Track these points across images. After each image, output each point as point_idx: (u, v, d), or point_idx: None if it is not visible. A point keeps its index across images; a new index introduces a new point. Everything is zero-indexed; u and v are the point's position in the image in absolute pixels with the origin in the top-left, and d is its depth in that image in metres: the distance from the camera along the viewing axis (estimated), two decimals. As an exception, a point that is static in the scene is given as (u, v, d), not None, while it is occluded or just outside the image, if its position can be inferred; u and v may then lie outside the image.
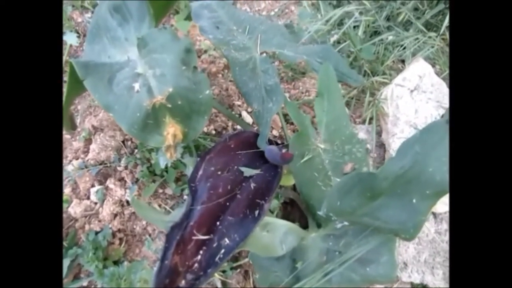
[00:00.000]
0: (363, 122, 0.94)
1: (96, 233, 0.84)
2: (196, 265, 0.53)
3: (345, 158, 0.72)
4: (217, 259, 0.53)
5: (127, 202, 0.88)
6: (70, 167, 0.93)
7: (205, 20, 0.87)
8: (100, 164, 0.92)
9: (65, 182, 0.91)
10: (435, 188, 0.51)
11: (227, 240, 0.55)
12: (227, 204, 0.59)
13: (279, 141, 0.78)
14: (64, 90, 0.68)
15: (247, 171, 0.65)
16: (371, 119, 0.92)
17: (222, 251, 0.54)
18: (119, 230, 0.86)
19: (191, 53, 0.67)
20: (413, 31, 1.07)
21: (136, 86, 0.66)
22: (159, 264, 0.50)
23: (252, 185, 0.62)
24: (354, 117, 0.98)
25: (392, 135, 0.87)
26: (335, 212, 0.58)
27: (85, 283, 0.83)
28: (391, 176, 0.51)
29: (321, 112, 0.75)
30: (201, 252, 0.54)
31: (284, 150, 0.66)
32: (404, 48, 1.04)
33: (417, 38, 0.99)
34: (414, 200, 0.52)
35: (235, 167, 0.65)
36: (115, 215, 0.87)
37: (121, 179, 0.91)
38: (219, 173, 0.63)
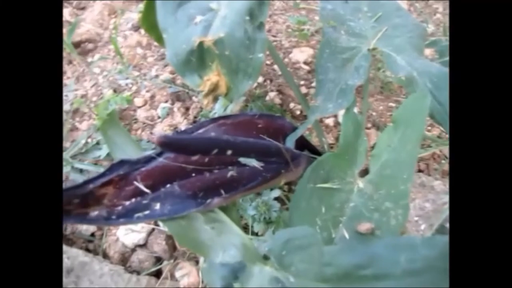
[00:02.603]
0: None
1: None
2: (119, 208, 0.49)
3: (375, 215, 0.53)
4: (136, 216, 0.48)
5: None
6: (163, 76, 0.98)
7: (338, -13, 0.73)
8: (182, 86, 0.94)
9: (151, 87, 0.97)
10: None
11: (157, 206, 0.48)
12: (192, 174, 0.51)
13: (320, 150, 0.63)
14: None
15: (246, 160, 0.54)
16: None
17: (146, 212, 0.48)
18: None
19: (263, 6, 0.57)
20: None
21: (199, 18, 0.61)
22: (80, 182, 0.47)
23: (231, 173, 0.52)
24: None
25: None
26: (277, 260, 0.44)
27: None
28: (341, 267, 0.35)
29: (384, 146, 0.57)
30: (132, 200, 0.49)
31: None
32: None
33: None
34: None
35: (240, 146, 0.56)
36: (165, 136, 0.89)
37: (187, 109, 0.91)
38: (213, 135, 0.55)
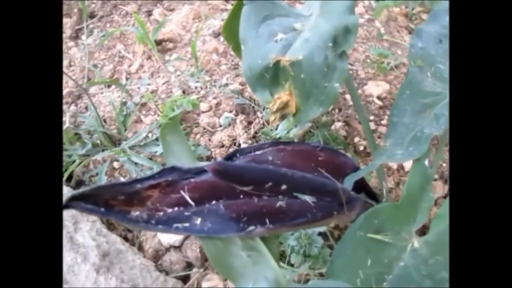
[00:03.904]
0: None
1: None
2: (161, 214, 0.48)
3: (426, 282, 0.48)
4: (174, 226, 0.47)
5: (239, 144, 0.88)
6: (233, 86, 0.99)
7: (435, 23, 0.68)
8: (249, 100, 0.94)
9: (218, 95, 0.98)
10: None
11: (198, 221, 0.47)
12: (240, 196, 0.49)
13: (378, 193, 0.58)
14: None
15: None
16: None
17: (186, 225, 0.47)
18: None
19: (349, 34, 0.54)
20: None
21: (280, 36, 0.60)
22: (128, 180, 0.47)
23: (280, 203, 0.49)
24: None
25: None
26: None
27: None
28: None
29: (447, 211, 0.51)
30: (175, 208, 0.49)
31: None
32: None
33: None
34: None
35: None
36: (222, 146, 0.89)
37: (250, 123, 0.90)
38: (271, 167, 0.53)
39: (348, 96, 0.95)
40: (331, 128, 0.87)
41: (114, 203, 0.46)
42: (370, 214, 0.51)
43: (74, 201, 0.43)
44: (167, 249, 0.84)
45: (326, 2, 0.62)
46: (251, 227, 0.46)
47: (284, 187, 0.45)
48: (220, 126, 0.92)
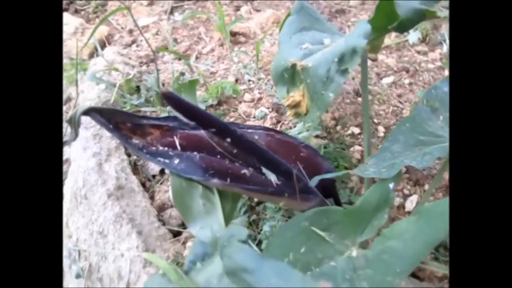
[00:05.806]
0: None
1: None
2: (153, 148, 0.59)
3: (344, 284, 0.51)
4: (158, 159, 0.57)
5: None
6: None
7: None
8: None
9: (264, 91, 1.08)
10: None
11: (176, 161, 0.57)
12: (217, 156, 0.58)
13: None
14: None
15: (268, 172, 0.59)
16: None
17: (166, 161, 0.57)
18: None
19: (354, 55, 0.60)
20: None
21: (306, 45, 0.67)
22: (140, 115, 0.59)
23: (245, 171, 0.57)
24: None
25: None
26: (220, 252, 0.47)
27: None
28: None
29: (398, 232, 0.53)
30: (165, 148, 0.59)
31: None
32: None
33: None
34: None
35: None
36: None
37: (278, 122, 0.98)
38: (256, 137, 0.61)
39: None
40: (347, 132, 0.93)
41: (122, 127, 0.58)
42: (322, 211, 0.56)
43: (92, 112, 0.55)
44: (172, 206, 0.95)
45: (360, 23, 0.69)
46: (215, 179, 0.55)
47: (228, 139, 0.52)
48: (254, 117, 1.02)
